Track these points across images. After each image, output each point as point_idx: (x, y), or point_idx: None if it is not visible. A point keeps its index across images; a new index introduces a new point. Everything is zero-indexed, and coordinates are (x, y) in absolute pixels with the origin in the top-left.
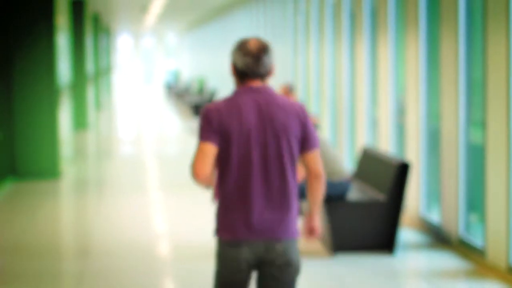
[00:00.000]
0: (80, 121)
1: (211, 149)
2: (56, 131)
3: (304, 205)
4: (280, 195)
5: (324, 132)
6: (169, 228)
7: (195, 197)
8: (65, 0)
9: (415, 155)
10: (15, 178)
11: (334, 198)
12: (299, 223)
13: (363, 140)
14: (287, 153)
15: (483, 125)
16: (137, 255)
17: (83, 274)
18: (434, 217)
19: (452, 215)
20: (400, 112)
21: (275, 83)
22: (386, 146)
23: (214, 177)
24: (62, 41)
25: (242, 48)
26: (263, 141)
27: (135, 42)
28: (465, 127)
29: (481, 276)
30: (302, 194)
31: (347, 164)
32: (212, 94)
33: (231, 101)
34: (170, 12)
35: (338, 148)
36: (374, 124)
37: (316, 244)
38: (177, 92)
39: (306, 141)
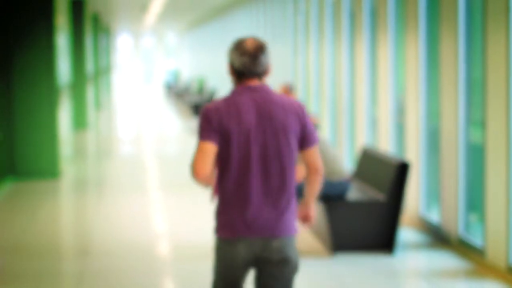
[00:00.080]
0: (79, 121)
1: (211, 148)
2: (56, 131)
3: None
4: (278, 193)
5: (324, 132)
6: (169, 228)
7: (195, 197)
8: (64, 0)
9: (414, 155)
10: (14, 177)
11: (334, 198)
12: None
13: (362, 139)
14: (286, 151)
15: (483, 124)
16: (137, 255)
17: (83, 274)
18: (434, 216)
19: (451, 214)
20: (400, 112)
21: (275, 83)
22: (386, 145)
23: (213, 176)
24: (62, 41)
25: (239, 47)
26: (263, 139)
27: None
28: (465, 126)
29: (481, 276)
30: (300, 193)
31: (347, 163)
32: (211, 94)
33: (230, 101)
34: (170, 11)
35: (338, 147)
36: (374, 123)
37: (316, 244)
38: (177, 92)
39: (305, 138)
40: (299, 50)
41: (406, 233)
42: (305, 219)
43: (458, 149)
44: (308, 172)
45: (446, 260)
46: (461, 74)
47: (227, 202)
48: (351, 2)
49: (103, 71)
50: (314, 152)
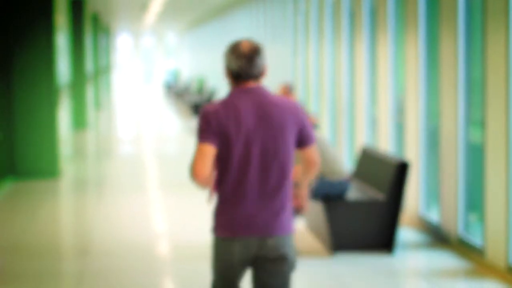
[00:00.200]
0: (79, 121)
1: (210, 150)
2: (55, 131)
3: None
4: (275, 193)
5: (323, 132)
6: (168, 227)
7: (195, 197)
8: (64, 0)
9: (414, 155)
10: (14, 177)
11: (334, 198)
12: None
13: (362, 139)
14: (284, 151)
15: (482, 124)
16: (137, 254)
17: (83, 274)
18: (434, 216)
19: (451, 214)
20: (400, 112)
21: (275, 83)
22: (386, 145)
23: (212, 178)
24: (62, 40)
25: (234, 50)
26: (261, 140)
27: (134, 41)
28: (464, 126)
29: (480, 276)
30: None
31: (346, 163)
32: (211, 94)
33: (228, 103)
34: (170, 11)
35: (338, 147)
36: (373, 123)
37: (315, 244)
38: (176, 91)
39: (303, 138)
40: (298, 50)
41: (405, 233)
42: (299, 209)
43: (457, 149)
44: (305, 165)
45: (445, 259)
46: (461, 74)
47: (225, 202)
48: (351, 2)
49: (102, 71)
50: (312, 150)
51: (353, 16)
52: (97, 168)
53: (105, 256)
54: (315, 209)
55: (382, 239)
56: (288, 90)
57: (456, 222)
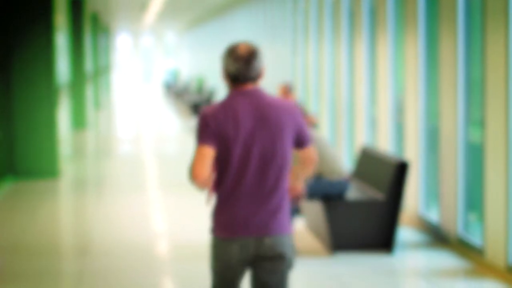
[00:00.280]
0: (79, 120)
1: (210, 152)
2: (55, 130)
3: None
4: (273, 193)
5: (323, 131)
6: (168, 227)
7: (194, 197)
8: None
9: (414, 154)
10: (14, 177)
11: (333, 197)
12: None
13: (362, 139)
14: (281, 152)
15: (482, 124)
16: (136, 254)
17: (83, 274)
18: (433, 216)
19: (451, 214)
20: (399, 111)
21: (274, 82)
22: (385, 145)
23: (210, 179)
24: (61, 40)
25: (232, 53)
26: (259, 142)
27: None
28: (464, 126)
29: (480, 275)
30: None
31: (346, 163)
32: (211, 93)
33: (226, 105)
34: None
35: (337, 147)
36: (373, 123)
37: (315, 243)
38: (176, 91)
39: (301, 138)
40: (298, 50)
41: (405, 233)
42: (295, 197)
43: (457, 149)
44: (303, 161)
45: (445, 259)
46: (461, 74)
47: (223, 202)
48: (351, 2)
49: (102, 71)
50: (310, 150)
51: (352, 16)
52: (96, 168)
53: (105, 256)
54: (314, 209)
55: (382, 239)
56: (287, 90)
57: (456, 222)
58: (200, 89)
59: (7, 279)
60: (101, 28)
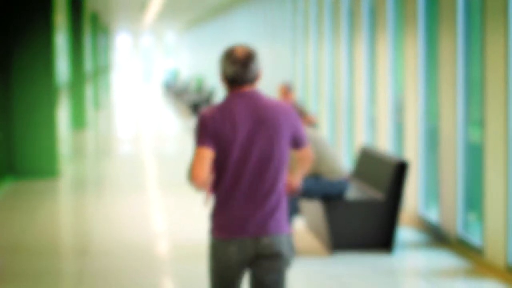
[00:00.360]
0: (78, 120)
1: (208, 154)
2: (54, 130)
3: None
4: (270, 194)
5: (322, 131)
6: (168, 227)
7: (194, 196)
8: None
9: (413, 154)
10: (13, 177)
11: (333, 197)
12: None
13: (361, 139)
14: (278, 153)
15: (481, 124)
16: (136, 254)
17: (82, 273)
18: (433, 216)
19: (450, 214)
20: (399, 111)
21: (274, 82)
22: (385, 145)
23: (209, 181)
24: (61, 40)
25: (229, 56)
26: (256, 143)
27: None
28: (463, 126)
29: (479, 275)
30: (299, 194)
31: (345, 163)
32: (210, 93)
33: (224, 107)
34: (169, 10)
35: (337, 147)
36: (372, 123)
37: (314, 243)
38: (175, 91)
39: (298, 139)
40: (298, 50)
41: (405, 232)
42: (290, 188)
43: (457, 149)
44: (300, 161)
45: (444, 259)
46: (460, 74)
47: (221, 203)
48: (350, 1)
49: (102, 70)
50: (307, 150)
51: (352, 16)
52: (96, 167)
53: (105, 256)
54: (314, 209)
55: (381, 239)
56: (287, 89)
57: (455, 222)
58: (199, 89)
59: (7, 279)
60: (100, 28)
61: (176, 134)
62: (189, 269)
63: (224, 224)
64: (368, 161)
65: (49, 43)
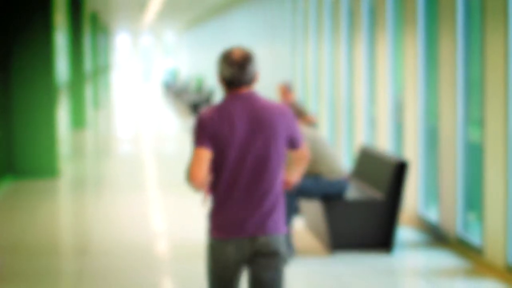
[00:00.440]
0: (78, 120)
1: (206, 154)
2: (54, 130)
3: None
4: (267, 194)
5: (322, 131)
6: (167, 227)
7: (194, 196)
8: None
9: (413, 154)
10: (13, 176)
11: (332, 197)
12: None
13: (361, 138)
14: (275, 154)
15: (481, 123)
16: (136, 254)
17: (82, 273)
18: (432, 215)
19: (450, 213)
20: (399, 111)
21: (274, 82)
22: (384, 144)
23: (207, 181)
24: (60, 39)
25: (227, 58)
26: (254, 144)
27: (133, 40)
28: (463, 125)
29: (479, 275)
30: (299, 193)
31: (345, 162)
32: (210, 93)
33: (222, 108)
34: (169, 10)
35: (337, 146)
36: (372, 122)
37: (314, 243)
38: (175, 90)
39: (294, 140)
40: (297, 50)
41: (404, 232)
42: (287, 185)
43: (456, 148)
44: (296, 161)
45: (444, 259)
46: (460, 73)
47: (219, 204)
48: (350, 1)
49: (101, 70)
50: (303, 150)
51: (352, 15)
52: (96, 167)
53: (104, 256)
54: (314, 209)
55: (381, 239)
56: (286, 89)
57: (455, 221)
58: (199, 88)
59: (7, 279)
60: (100, 28)
61: (175, 134)
62: (188, 269)
63: (222, 224)
64: (367, 161)
65: (48, 42)
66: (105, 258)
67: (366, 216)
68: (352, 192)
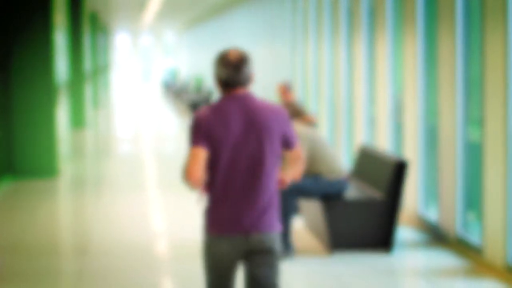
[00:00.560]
0: (78, 119)
1: (202, 153)
2: (54, 129)
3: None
4: (261, 193)
5: (322, 131)
6: (167, 226)
7: (193, 196)
8: None
9: (413, 153)
10: (13, 176)
11: (332, 197)
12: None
13: (360, 138)
14: (270, 154)
15: (481, 123)
16: (136, 253)
17: (82, 273)
18: (432, 215)
19: (449, 213)
20: (398, 110)
21: (273, 82)
22: (384, 144)
23: (203, 180)
24: (60, 39)
25: (223, 60)
26: (248, 144)
27: (133, 40)
28: (463, 125)
29: (479, 274)
30: (298, 193)
31: (345, 162)
32: (209, 93)
33: (218, 108)
34: (169, 10)
35: (336, 146)
36: (372, 122)
37: (314, 243)
38: (175, 90)
39: (288, 140)
40: (297, 49)
41: (404, 232)
42: (282, 184)
43: (456, 148)
44: (291, 162)
45: (444, 258)
46: (459, 73)
47: (215, 202)
48: (349, 1)
49: (101, 70)
50: (297, 151)
51: (351, 15)
52: (95, 167)
53: (104, 255)
54: (313, 208)
55: (381, 238)
56: (286, 89)
57: (455, 221)
58: (199, 88)
59: (7, 279)
60: (100, 27)
61: (175, 134)
62: (188, 269)
63: (218, 221)
64: (367, 161)
65: (48, 42)
66: (105, 258)
67: (365, 216)
68: (352, 192)
